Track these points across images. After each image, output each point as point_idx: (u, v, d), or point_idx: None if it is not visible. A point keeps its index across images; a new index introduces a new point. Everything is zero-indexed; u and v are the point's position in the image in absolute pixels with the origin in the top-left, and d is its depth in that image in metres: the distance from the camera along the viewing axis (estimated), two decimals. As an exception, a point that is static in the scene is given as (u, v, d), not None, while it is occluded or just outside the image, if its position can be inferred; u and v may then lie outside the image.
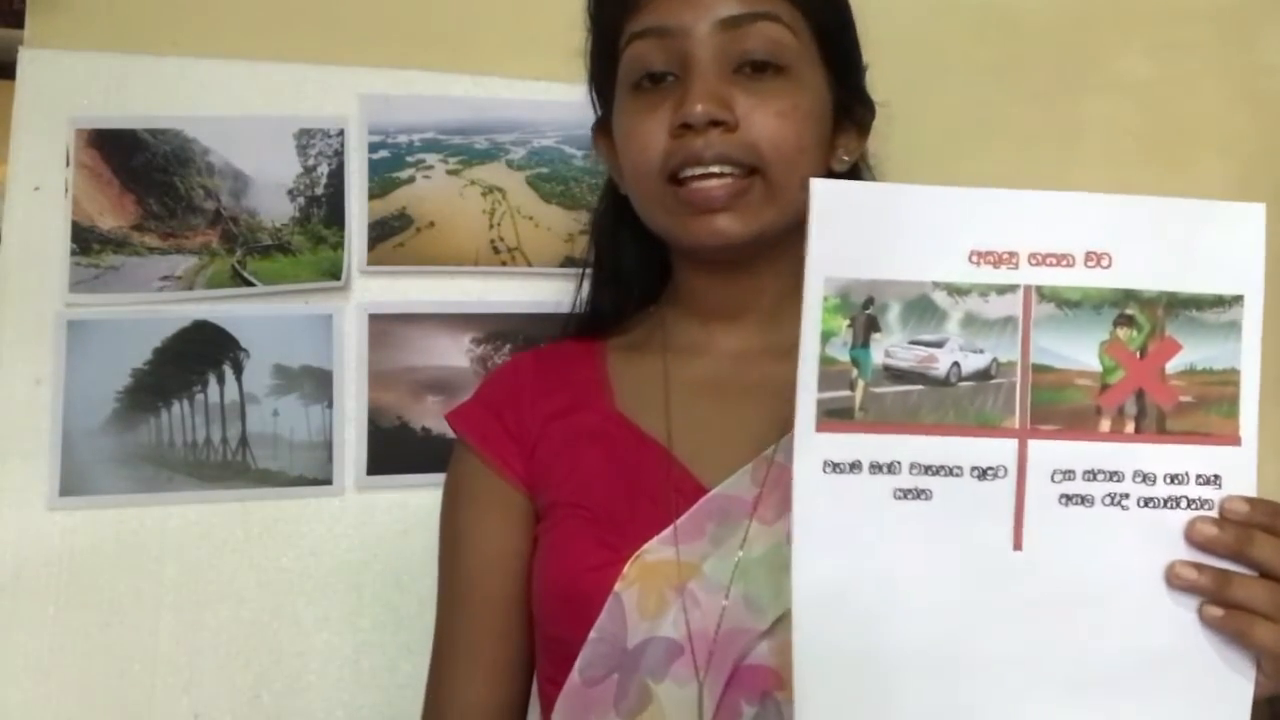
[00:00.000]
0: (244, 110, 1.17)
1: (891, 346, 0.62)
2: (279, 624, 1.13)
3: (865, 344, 0.62)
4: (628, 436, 0.84)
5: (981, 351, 0.62)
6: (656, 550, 0.76)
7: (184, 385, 1.15)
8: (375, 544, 1.15)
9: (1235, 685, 0.61)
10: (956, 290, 0.62)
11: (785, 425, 0.79)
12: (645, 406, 0.85)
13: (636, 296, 0.94)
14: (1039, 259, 0.62)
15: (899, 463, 0.62)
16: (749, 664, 0.73)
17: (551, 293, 1.18)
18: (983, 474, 0.61)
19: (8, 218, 1.14)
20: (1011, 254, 0.62)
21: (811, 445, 0.62)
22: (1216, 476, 0.61)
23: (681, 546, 0.76)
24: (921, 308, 0.62)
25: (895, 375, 0.62)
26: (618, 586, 0.75)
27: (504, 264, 1.19)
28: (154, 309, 1.15)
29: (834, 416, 0.62)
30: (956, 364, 0.62)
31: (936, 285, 0.62)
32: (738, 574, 0.75)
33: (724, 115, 0.77)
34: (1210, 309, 0.62)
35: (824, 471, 0.62)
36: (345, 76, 1.19)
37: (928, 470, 0.62)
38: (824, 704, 0.62)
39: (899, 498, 0.62)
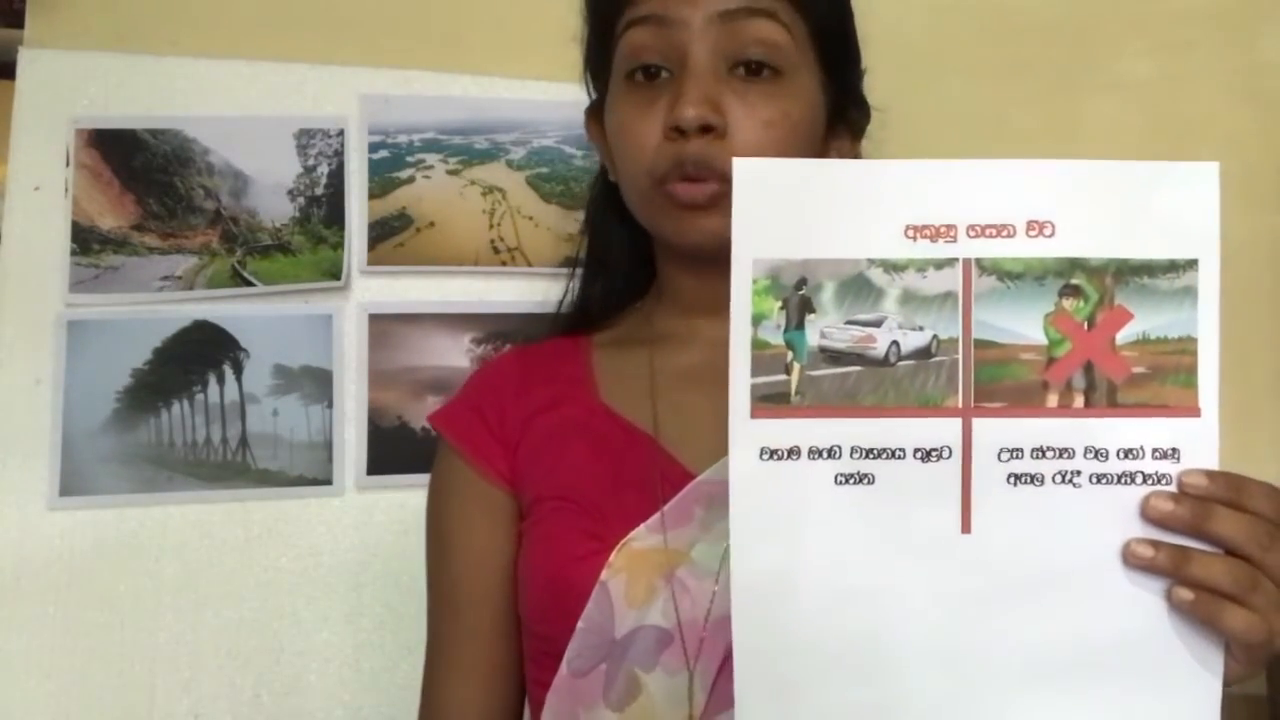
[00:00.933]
0: (244, 110, 1.17)
1: (827, 327, 0.60)
2: (279, 624, 1.13)
3: (800, 326, 0.60)
4: (613, 427, 0.83)
5: (921, 329, 0.59)
6: (644, 537, 0.76)
7: (184, 385, 1.15)
8: (375, 544, 1.15)
9: (1203, 670, 0.58)
10: (893, 266, 0.59)
11: None
12: (630, 397, 0.84)
13: (624, 289, 0.94)
14: (978, 230, 0.59)
15: (839, 447, 0.59)
16: None
17: (552, 293, 1.18)
18: (926, 455, 0.59)
19: (8, 218, 1.14)
20: (949, 226, 0.59)
21: (747, 432, 0.60)
22: (1174, 450, 0.58)
23: (669, 533, 0.75)
24: (857, 286, 0.60)
25: (832, 357, 0.60)
26: (604, 575, 0.74)
27: (504, 264, 1.19)
28: (154, 309, 1.15)
29: (769, 402, 0.60)
30: (895, 343, 0.60)
31: (872, 262, 0.60)
32: (727, 559, 0.74)
33: (714, 120, 0.77)
34: (1163, 275, 0.58)
35: (761, 459, 0.60)
36: (345, 76, 1.19)
37: (869, 454, 0.59)
38: (765, 696, 0.60)
39: (840, 483, 0.59)
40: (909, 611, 0.59)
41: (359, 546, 1.15)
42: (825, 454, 0.59)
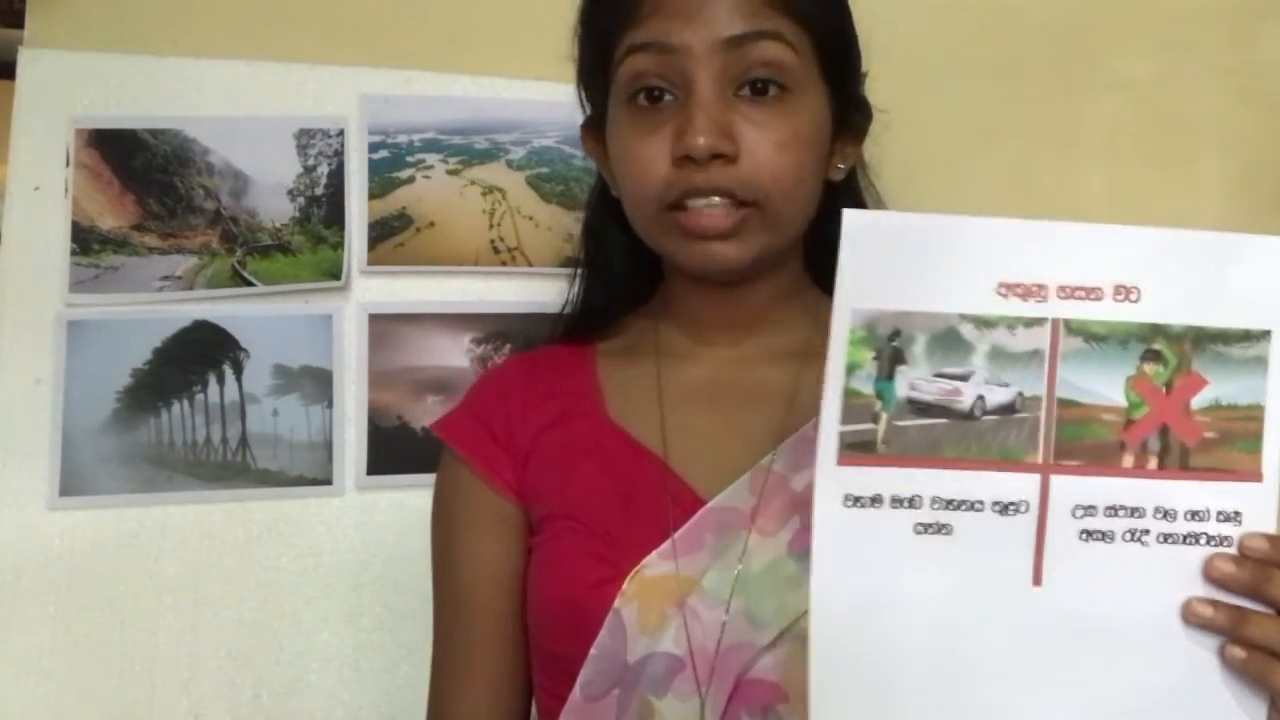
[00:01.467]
0: (244, 110, 1.17)
1: (916, 379, 0.61)
2: (279, 624, 1.13)
3: (890, 376, 0.62)
4: (622, 446, 0.83)
5: (1007, 385, 0.61)
6: (656, 565, 0.76)
7: (184, 385, 1.15)
8: (375, 544, 1.15)
9: None
10: (984, 322, 0.61)
11: (781, 432, 0.80)
12: (639, 414, 0.84)
13: (626, 296, 0.93)
14: (1068, 291, 0.61)
15: (920, 497, 0.61)
16: (751, 678, 0.73)
17: (551, 293, 1.18)
18: (1004, 509, 0.61)
19: (8, 218, 1.14)
20: (1040, 286, 0.61)
21: (833, 478, 0.61)
22: (1237, 513, 0.61)
23: (680, 560, 0.76)
24: (948, 340, 0.61)
25: (919, 408, 0.61)
26: (617, 603, 0.75)
27: (504, 264, 1.19)
28: (154, 309, 1.15)
29: (856, 450, 0.61)
30: (981, 397, 0.61)
31: (964, 317, 0.61)
32: (738, 587, 0.74)
33: (726, 147, 0.76)
34: (1237, 344, 0.61)
35: (845, 505, 0.61)
36: (345, 76, 1.19)
37: (949, 505, 0.61)
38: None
39: (920, 532, 0.61)
40: (979, 658, 0.61)
41: (359, 546, 1.15)
42: (907, 503, 0.61)
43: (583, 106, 0.90)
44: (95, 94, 1.16)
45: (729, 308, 0.86)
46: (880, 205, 0.95)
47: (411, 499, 1.14)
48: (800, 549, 0.74)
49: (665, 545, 0.76)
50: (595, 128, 0.88)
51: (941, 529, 0.61)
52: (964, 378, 0.61)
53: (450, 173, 1.20)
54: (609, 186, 0.89)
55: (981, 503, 0.61)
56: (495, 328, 1.18)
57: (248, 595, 1.13)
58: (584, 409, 0.86)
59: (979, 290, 0.61)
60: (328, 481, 1.15)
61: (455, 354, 1.18)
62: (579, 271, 0.97)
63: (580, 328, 0.94)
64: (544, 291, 1.18)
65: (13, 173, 1.15)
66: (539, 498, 0.83)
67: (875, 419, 0.61)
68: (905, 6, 1.22)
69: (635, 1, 0.79)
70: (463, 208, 1.19)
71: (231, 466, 1.14)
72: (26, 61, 1.15)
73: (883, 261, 0.61)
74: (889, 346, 0.61)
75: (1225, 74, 1.28)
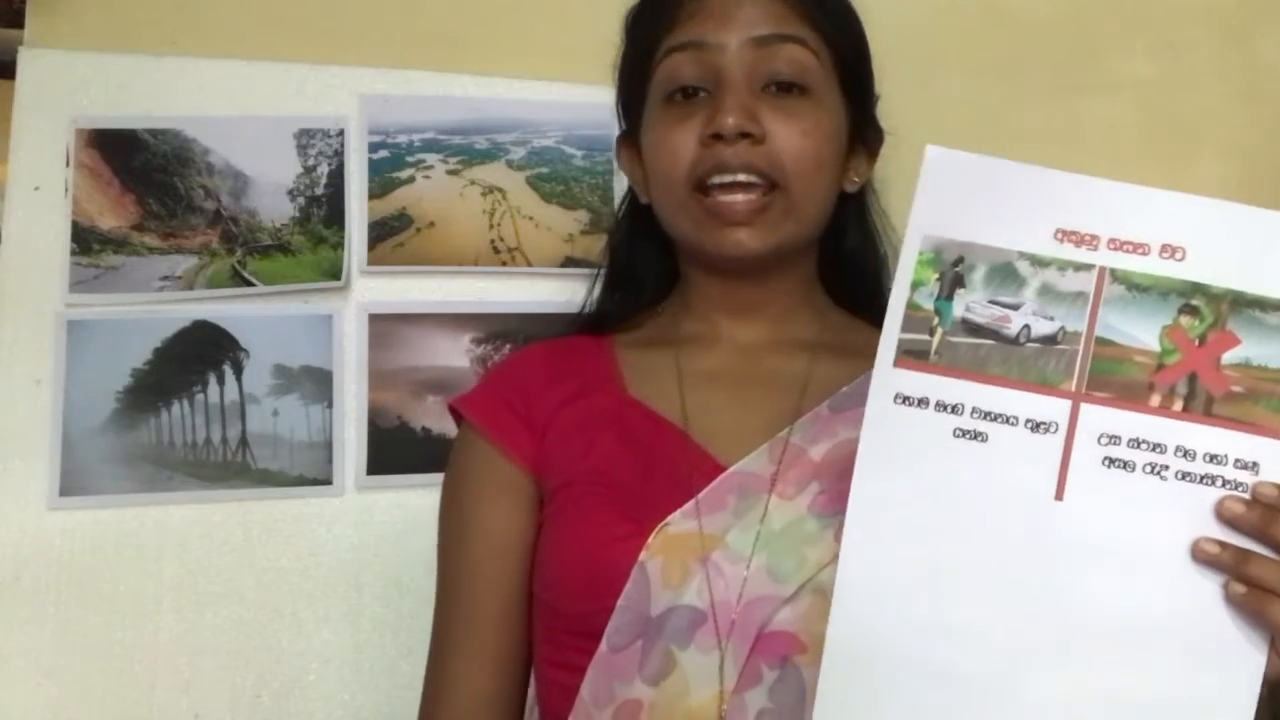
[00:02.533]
0: (244, 110, 1.17)
1: (972, 303, 0.68)
2: (279, 624, 1.13)
3: (949, 297, 0.68)
4: (643, 419, 0.86)
5: (1052, 319, 0.67)
6: (679, 523, 0.79)
7: (184, 385, 1.15)
8: (375, 544, 1.15)
9: (1248, 659, 0.65)
10: (1039, 261, 0.68)
11: (795, 414, 0.84)
12: (659, 393, 0.87)
13: (645, 299, 0.97)
14: (1117, 244, 0.67)
15: (962, 405, 0.67)
16: (770, 630, 0.76)
17: (551, 293, 1.18)
18: (1036, 427, 0.67)
19: (8, 218, 1.14)
20: (1093, 236, 0.67)
21: (888, 377, 0.68)
22: (1255, 464, 0.65)
23: (704, 519, 0.79)
24: (1004, 273, 0.68)
25: (971, 329, 0.68)
26: (643, 556, 0.78)
27: (504, 264, 1.19)
28: (154, 309, 1.15)
29: (911, 355, 0.68)
30: (1027, 326, 0.67)
31: (1021, 255, 0.68)
32: (759, 544, 0.78)
33: (753, 128, 0.82)
34: (1274, 311, 0.66)
35: (895, 402, 0.68)
36: (345, 76, 1.19)
37: (987, 416, 0.67)
38: (862, 600, 0.68)
39: (958, 436, 0.67)
40: (996, 555, 0.67)
41: (359, 546, 1.15)
42: (950, 409, 0.68)
43: (620, 121, 0.96)
44: (95, 94, 1.16)
45: (745, 295, 0.90)
46: (887, 230, 0.98)
47: (411, 499, 1.15)
48: (819, 509, 0.79)
49: (689, 505, 0.79)
50: (630, 139, 0.94)
51: (978, 436, 0.67)
52: (1015, 307, 0.68)
53: (450, 173, 1.20)
54: (638, 198, 0.94)
55: (1016, 418, 0.67)
56: (495, 328, 1.18)
57: (248, 595, 1.13)
58: (604, 387, 0.89)
59: (1038, 233, 0.68)
60: (328, 481, 1.15)
61: (455, 354, 1.18)
62: (599, 273, 1.00)
63: (598, 324, 0.97)
64: (544, 291, 1.19)
65: (13, 173, 1.15)
66: (556, 467, 0.85)
67: (931, 332, 0.68)
68: (905, 6, 1.22)
69: (674, 8, 0.87)
70: (463, 208, 1.19)
71: (231, 466, 1.14)
72: (26, 61, 1.15)
73: (955, 194, 0.69)
74: (951, 270, 0.69)
75: (1225, 74, 1.28)
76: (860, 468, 0.68)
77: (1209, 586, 0.65)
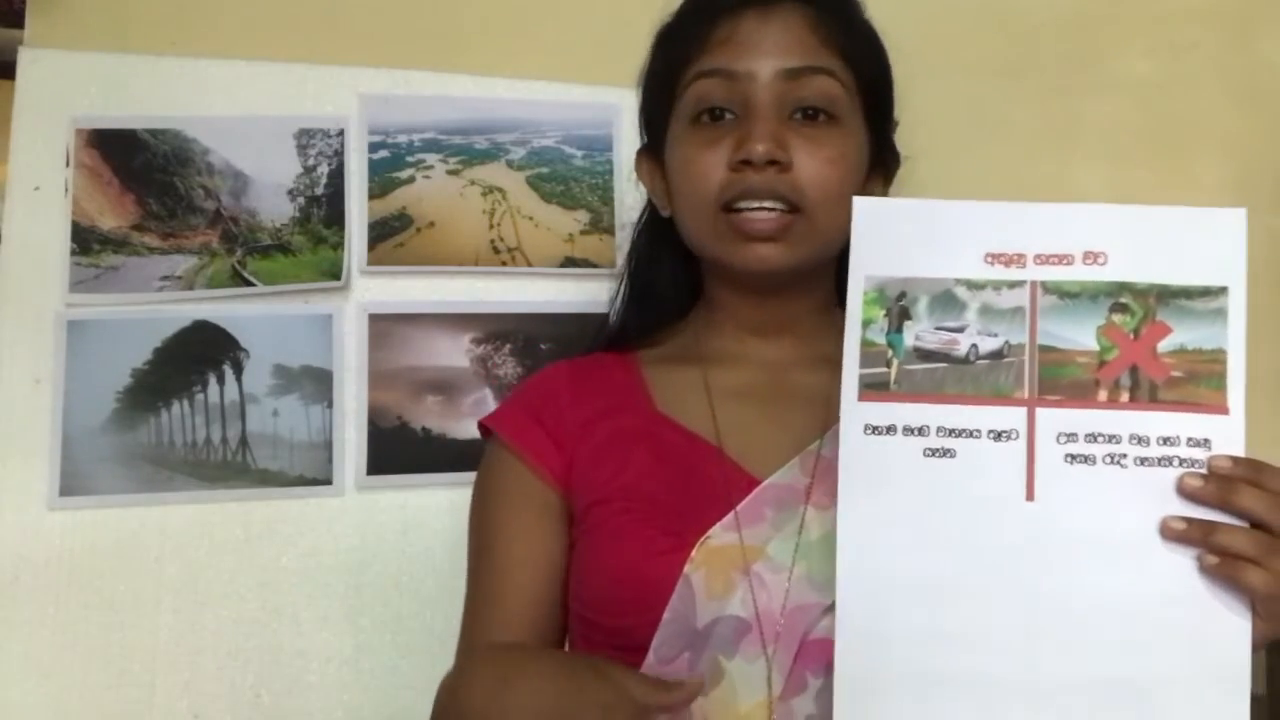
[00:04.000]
0: (244, 110, 1.17)
1: (920, 331, 0.73)
2: (279, 624, 1.13)
3: (899, 330, 0.73)
4: (674, 436, 0.87)
5: (996, 335, 0.72)
6: (720, 535, 0.81)
7: (184, 385, 1.15)
8: (375, 544, 1.15)
9: (1233, 626, 0.68)
10: (974, 285, 0.73)
11: (822, 426, 0.85)
12: (688, 409, 0.89)
13: (667, 313, 0.98)
14: (1043, 259, 0.72)
15: (928, 426, 0.72)
16: (814, 638, 0.78)
17: (551, 293, 1.18)
18: (998, 436, 0.71)
19: (8, 218, 1.14)
20: (1020, 255, 0.73)
21: (856, 412, 0.73)
22: (1206, 440, 0.69)
23: (744, 531, 0.81)
24: (945, 300, 0.73)
25: (924, 355, 0.73)
26: (687, 569, 0.79)
27: (504, 264, 1.19)
28: (154, 309, 1.15)
29: (873, 388, 0.73)
30: (975, 345, 0.72)
31: (957, 281, 0.73)
32: (799, 555, 0.80)
33: (781, 156, 0.84)
34: (1199, 298, 0.71)
35: (865, 433, 0.72)
36: (345, 76, 1.19)
37: (952, 433, 0.72)
38: (862, 610, 0.72)
39: (928, 455, 0.72)
40: (982, 560, 0.71)
41: (359, 546, 1.15)
42: (917, 432, 0.72)
43: (642, 135, 0.96)
44: (95, 94, 1.16)
45: (769, 311, 0.92)
46: None
47: (412, 499, 1.15)
48: None
49: (728, 518, 0.81)
50: (651, 153, 0.95)
51: (946, 453, 0.72)
52: (960, 329, 0.73)
53: (450, 173, 1.20)
54: (658, 210, 0.95)
55: (979, 431, 0.72)
56: (495, 328, 1.18)
57: (248, 595, 1.13)
58: (632, 404, 0.90)
59: (969, 259, 0.73)
60: (328, 481, 1.15)
61: (455, 354, 1.18)
62: (620, 284, 1.01)
63: (621, 341, 0.98)
64: (544, 291, 1.19)
65: (13, 173, 1.15)
66: (589, 485, 0.86)
67: (888, 364, 0.73)
68: (905, 6, 1.22)
69: (707, 33, 0.88)
70: (463, 208, 1.19)
71: (231, 466, 1.14)
72: (26, 61, 1.15)
73: (888, 236, 0.75)
74: (897, 305, 0.74)
75: (1225, 74, 1.28)
76: (843, 498, 0.72)
77: (1185, 563, 0.68)
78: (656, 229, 0.97)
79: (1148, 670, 0.68)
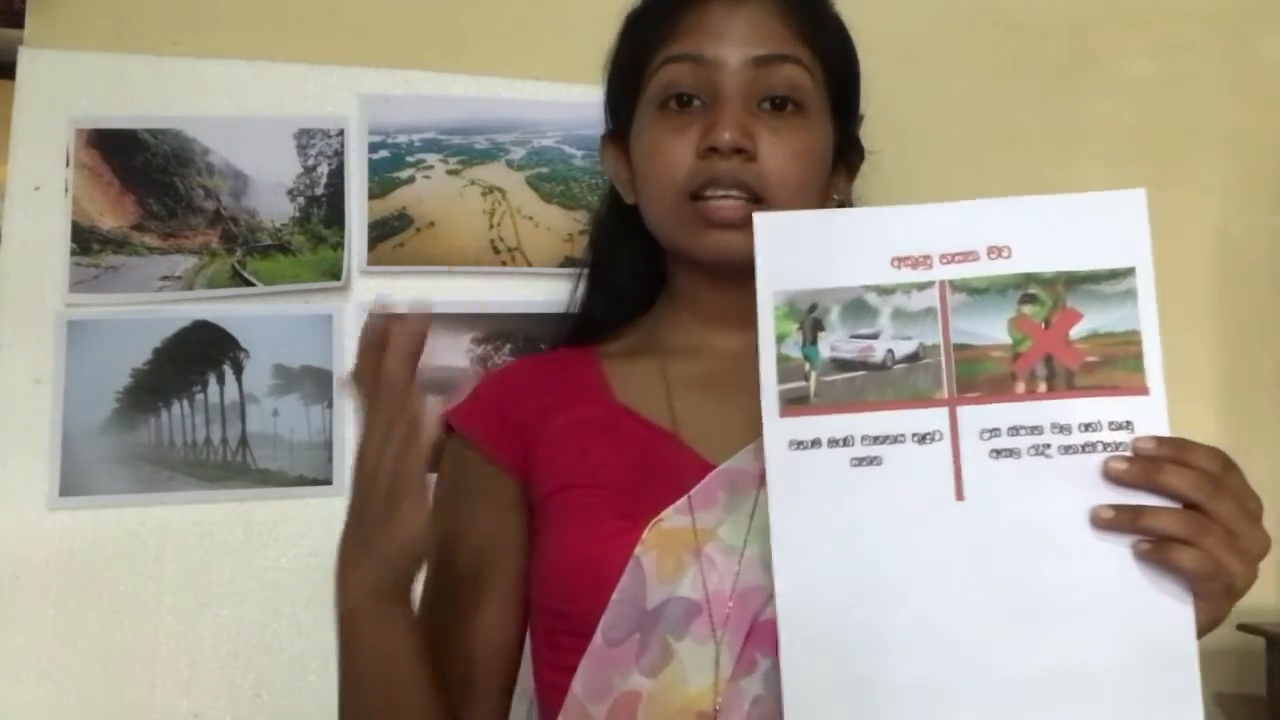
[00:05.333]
0: (244, 110, 1.17)
1: (835, 341, 0.72)
2: (279, 624, 1.13)
3: (814, 342, 0.73)
4: (633, 424, 0.87)
5: (910, 338, 0.72)
6: (672, 518, 0.80)
7: (184, 385, 1.15)
8: (375, 544, 1.15)
9: (1175, 610, 0.67)
10: (884, 290, 0.72)
11: None
12: (646, 400, 0.88)
13: (629, 304, 0.97)
14: (949, 258, 0.72)
15: (852, 436, 0.71)
16: (764, 620, 0.77)
17: (551, 293, 1.18)
18: (922, 439, 0.71)
19: (8, 218, 1.14)
20: (926, 256, 0.72)
21: (778, 428, 0.72)
22: (1128, 423, 0.69)
23: (697, 514, 0.81)
24: (857, 308, 0.73)
25: (841, 365, 0.72)
26: (637, 551, 0.79)
27: (504, 264, 1.19)
28: (154, 309, 1.15)
29: (794, 403, 0.72)
30: (890, 350, 0.72)
31: (867, 288, 0.73)
32: (751, 537, 0.79)
33: (747, 145, 0.84)
34: (1106, 281, 0.70)
35: (790, 449, 0.71)
36: (345, 76, 1.19)
37: (876, 440, 0.71)
38: (804, 626, 0.71)
39: (855, 465, 0.71)
40: (916, 562, 0.70)
41: (359, 546, 1.15)
42: (841, 443, 0.71)
43: (607, 120, 0.96)
44: (95, 94, 1.16)
45: (733, 299, 0.90)
46: None
47: (411, 499, 1.15)
48: None
49: (681, 501, 0.81)
50: (616, 139, 0.94)
51: (873, 461, 0.71)
52: (874, 336, 0.72)
53: (450, 173, 1.20)
54: (621, 198, 0.94)
55: (903, 435, 0.71)
56: (495, 328, 1.18)
57: (248, 595, 1.13)
58: (592, 396, 0.90)
59: (877, 265, 0.73)
60: (328, 481, 1.15)
61: (455, 354, 1.18)
62: (581, 274, 1.00)
63: (582, 335, 0.98)
64: (544, 291, 1.19)
65: (13, 173, 1.15)
66: (548, 472, 0.86)
67: (806, 377, 0.72)
68: (905, 6, 1.23)
69: (675, 19, 0.88)
70: (463, 208, 1.19)
71: (231, 466, 1.15)
72: (26, 61, 1.15)
73: (793, 249, 0.74)
74: (809, 317, 0.73)
75: (1225, 74, 1.29)
76: (774, 515, 0.71)
77: (1120, 550, 0.68)
78: (618, 218, 0.96)
79: (1093, 661, 0.68)
